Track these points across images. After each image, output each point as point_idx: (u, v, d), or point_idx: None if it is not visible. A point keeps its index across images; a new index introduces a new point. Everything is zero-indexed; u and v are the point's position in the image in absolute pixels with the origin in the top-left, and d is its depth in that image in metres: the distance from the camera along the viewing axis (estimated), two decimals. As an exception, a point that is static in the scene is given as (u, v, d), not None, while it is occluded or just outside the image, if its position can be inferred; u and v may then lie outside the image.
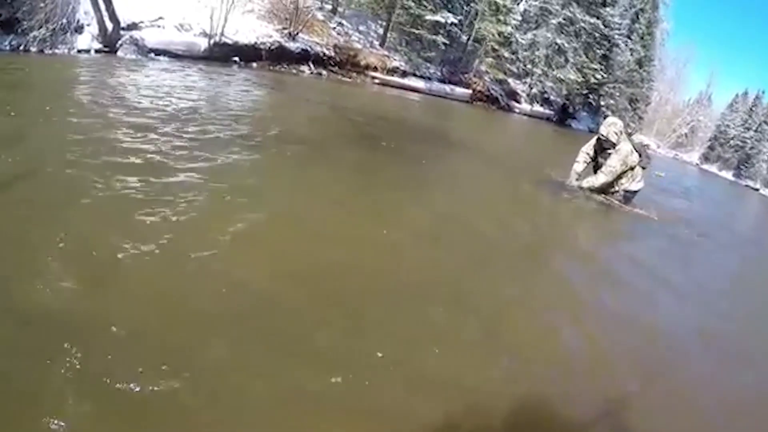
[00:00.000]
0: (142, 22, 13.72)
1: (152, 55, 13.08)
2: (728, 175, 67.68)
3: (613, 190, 7.51)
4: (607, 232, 6.65)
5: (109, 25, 12.52)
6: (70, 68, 9.53)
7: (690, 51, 69.66)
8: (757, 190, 60.17)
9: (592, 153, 7.69)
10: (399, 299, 2.88)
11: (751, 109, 73.33)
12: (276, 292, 2.72)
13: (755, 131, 69.77)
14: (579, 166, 7.70)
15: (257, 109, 8.30)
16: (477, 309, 3.07)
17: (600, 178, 7.41)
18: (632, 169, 7.49)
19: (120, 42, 12.76)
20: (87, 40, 12.28)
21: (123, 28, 12.95)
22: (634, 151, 7.48)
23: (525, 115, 27.02)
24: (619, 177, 7.45)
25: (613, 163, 7.36)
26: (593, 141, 7.72)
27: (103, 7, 12.30)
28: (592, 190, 7.44)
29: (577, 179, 7.61)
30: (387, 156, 6.77)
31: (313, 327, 2.46)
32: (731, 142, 72.67)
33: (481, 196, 6.24)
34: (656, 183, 11.64)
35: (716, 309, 4.70)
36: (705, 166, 68.79)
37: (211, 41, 14.53)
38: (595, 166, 7.68)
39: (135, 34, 13.11)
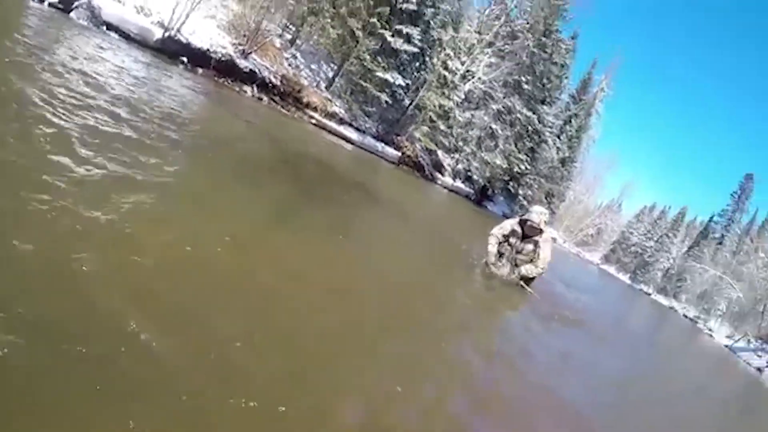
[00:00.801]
0: None
1: (104, 28, 12.42)
2: (625, 277, 71.91)
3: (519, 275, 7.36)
4: (509, 312, 6.60)
5: None
6: (16, 15, 8.85)
7: (611, 160, 74.35)
8: (649, 294, 64.44)
9: (502, 237, 7.40)
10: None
11: (655, 221, 78.88)
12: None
13: (656, 242, 74.90)
14: (493, 248, 7.36)
15: (193, 116, 7.81)
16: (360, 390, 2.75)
17: (537, 269, 7.27)
18: None
19: (76, 4, 12.08)
20: None
21: None
22: None
23: (445, 188, 27.71)
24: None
25: (547, 254, 7.31)
26: (509, 224, 7.49)
27: None
28: (512, 277, 7.28)
29: (494, 263, 7.33)
30: (312, 198, 6.44)
31: None
32: (632, 248, 77.56)
33: (398, 259, 5.99)
34: (560, 278, 12.12)
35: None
36: (604, 267, 72.74)
37: (166, 34, 14.05)
38: (509, 250, 7.41)
39: (94, 1, 12.46)
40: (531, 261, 7.29)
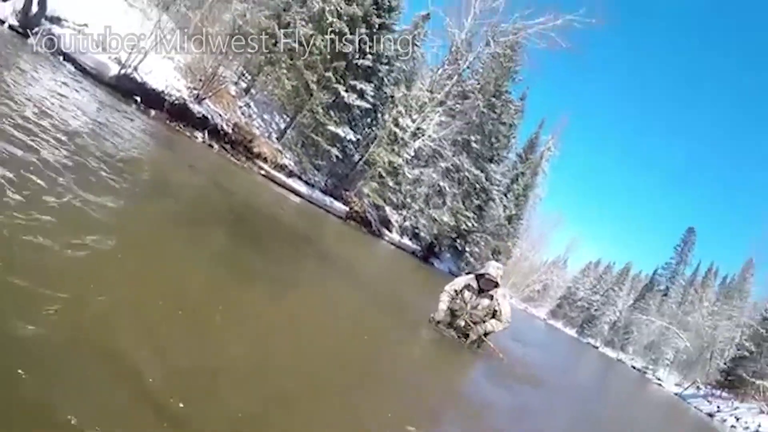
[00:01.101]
0: (66, 20, 12.99)
1: (61, 58, 12.18)
2: (572, 331, 73.16)
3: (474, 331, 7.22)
4: (459, 370, 6.52)
5: (35, 8, 11.79)
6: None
7: (557, 219, 76.39)
8: (597, 347, 65.57)
9: (454, 293, 7.28)
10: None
11: (601, 276, 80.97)
12: None
13: (602, 296, 76.73)
14: (444, 305, 7.22)
15: (141, 160, 7.54)
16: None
17: (503, 324, 7.24)
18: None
19: (36, 30, 11.86)
20: (7, 11, 11.48)
21: (46, 18, 12.18)
22: None
23: (393, 244, 27.75)
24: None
25: (507, 309, 7.28)
26: (462, 281, 7.41)
27: None
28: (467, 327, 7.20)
29: (442, 320, 7.22)
30: (258, 254, 6.14)
31: None
32: (579, 302, 79.18)
33: (345, 318, 5.74)
34: (509, 334, 12.17)
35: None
36: (551, 321, 73.95)
37: (122, 71, 13.77)
38: (463, 306, 7.27)
39: (54, 29, 12.30)
40: (487, 316, 7.18)
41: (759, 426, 27.46)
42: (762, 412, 30.45)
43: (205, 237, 5.56)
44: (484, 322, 7.20)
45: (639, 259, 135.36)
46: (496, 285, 7.18)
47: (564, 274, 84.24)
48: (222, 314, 3.56)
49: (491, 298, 7.16)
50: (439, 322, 7.17)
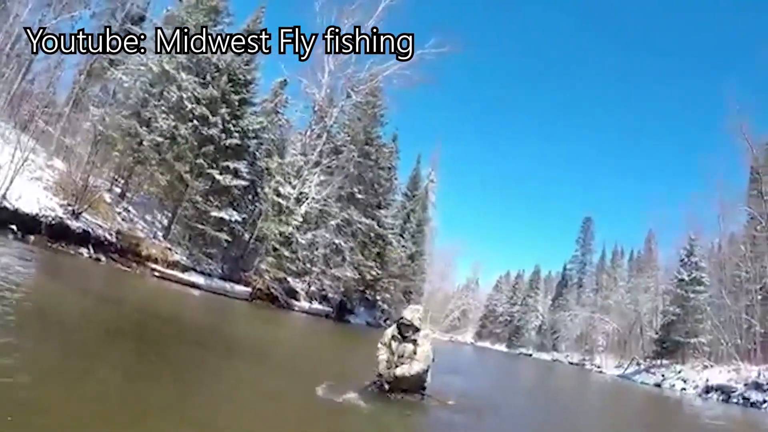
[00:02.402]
0: None
1: None
2: (502, 347, 74.70)
3: (423, 390, 7.04)
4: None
5: None
6: None
7: (457, 246, 78.63)
8: (530, 355, 67.03)
9: (386, 343, 7.03)
10: None
11: (513, 287, 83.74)
12: None
13: (520, 305, 79.14)
14: (384, 356, 6.93)
15: (23, 291, 7.10)
16: None
17: (415, 366, 6.76)
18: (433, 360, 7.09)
19: None
20: None
21: None
22: None
23: (304, 312, 27.57)
24: (427, 371, 7.00)
25: (426, 350, 6.88)
26: (390, 332, 7.12)
27: None
28: (400, 379, 6.77)
29: (388, 368, 6.81)
30: (156, 366, 5.77)
31: None
32: (500, 318, 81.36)
33: (263, 416, 5.25)
34: (440, 369, 12.11)
35: None
36: (479, 343, 75.38)
37: None
38: (392, 357, 6.99)
39: None
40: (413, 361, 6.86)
41: (707, 380, 29.02)
42: (705, 367, 32.16)
43: (100, 362, 5.21)
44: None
45: (546, 260, 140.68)
46: (416, 329, 6.95)
47: (478, 295, 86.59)
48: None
49: (414, 342, 6.95)
50: (381, 375, 6.80)
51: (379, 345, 7.09)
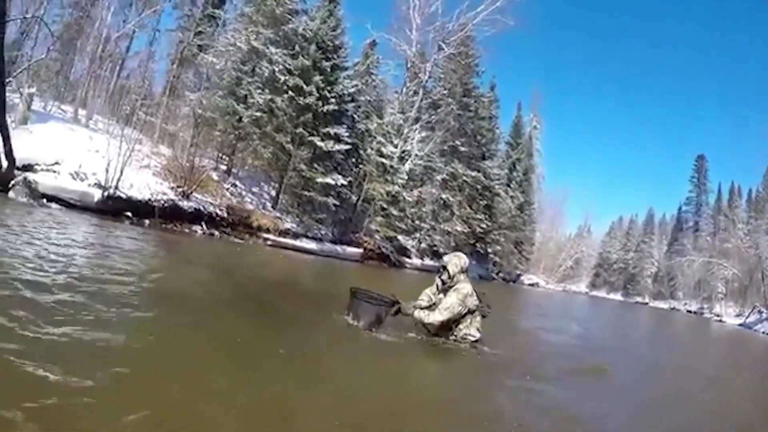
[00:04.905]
0: (38, 164, 13.32)
1: (44, 200, 12.52)
2: (617, 296, 71.86)
3: (452, 336, 6.34)
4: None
5: (5, 163, 12.10)
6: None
7: (565, 191, 75.36)
8: (647, 304, 64.12)
9: (433, 292, 6.57)
10: None
11: (627, 232, 79.87)
12: None
13: (635, 251, 75.51)
14: (423, 302, 6.47)
15: (148, 271, 7.38)
16: None
17: (435, 316, 6.21)
18: (471, 312, 6.35)
19: (13, 182, 12.26)
20: None
21: (18, 168, 12.50)
22: (475, 294, 6.37)
23: (416, 269, 27.50)
24: (458, 321, 6.32)
25: (451, 301, 6.21)
26: (436, 280, 6.61)
27: (0, 142, 11.88)
28: (425, 326, 6.34)
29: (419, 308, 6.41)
30: (278, 329, 5.81)
31: None
32: (614, 266, 78.00)
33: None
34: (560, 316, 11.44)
35: None
36: (594, 293, 72.69)
37: (105, 193, 14.00)
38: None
39: (29, 176, 12.65)
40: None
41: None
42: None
43: (227, 327, 5.30)
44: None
45: (659, 202, 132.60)
46: (450, 276, 6.31)
47: (591, 242, 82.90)
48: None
49: (446, 292, 6.39)
50: (414, 313, 6.31)
51: (424, 292, 6.60)
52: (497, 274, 38.95)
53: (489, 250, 36.66)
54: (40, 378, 2.84)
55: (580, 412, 4.80)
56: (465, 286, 6.33)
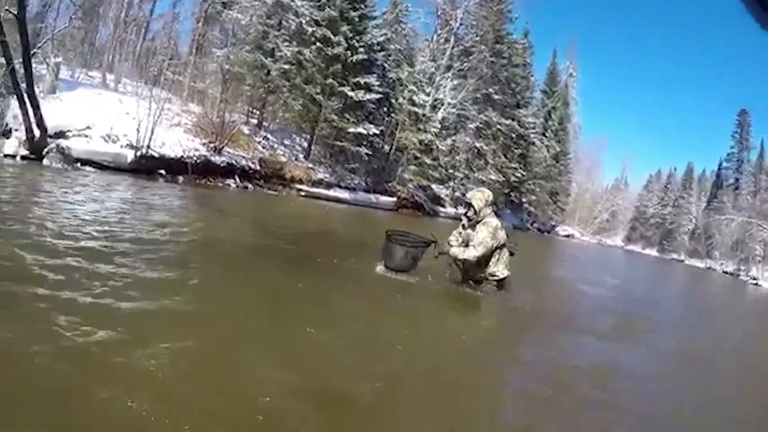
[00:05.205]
0: (69, 131, 13.62)
1: (78, 164, 12.85)
2: (653, 251, 70.43)
3: (481, 275, 6.29)
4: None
5: (37, 132, 12.40)
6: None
7: (602, 141, 73.64)
8: (682, 261, 62.72)
9: (459, 232, 6.45)
10: None
11: (665, 186, 77.59)
12: None
13: (672, 206, 73.46)
14: (453, 241, 6.37)
15: (186, 225, 7.74)
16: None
17: (471, 252, 6.08)
18: (500, 248, 6.23)
19: (46, 150, 12.61)
20: (14, 145, 12.29)
21: (50, 136, 12.81)
22: (502, 228, 6.31)
23: (450, 218, 26.88)
24: (488, 257, 6.19)
25: (482, 236, 6.07)
26: (462, 219, 6.56)
27: (31, 112, 12.16)
28: (459, 263, 6.28)
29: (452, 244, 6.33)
30: (314, 277, 5.81)
31: None
32: (651, 220, 76.22)
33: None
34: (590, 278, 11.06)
35: None
36: (629, 247, 71.35)
37: (138, 153, 14.29)
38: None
39: (62, 142, 12.98)
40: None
41: None
42: None
43: (264, 275, 5.62)
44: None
45: (699, 157, 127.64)
46: (476, 212, 6.18)
47: (628, 195, 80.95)
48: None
49: (474, 227, 6.27)
50: (450, 250, 6.24)
51: (453, 232, 6.49)
52: (532, 224, 38.44)
53: (524, 200, 36.25)
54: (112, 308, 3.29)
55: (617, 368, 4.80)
56: (492, 220, 6.27)
